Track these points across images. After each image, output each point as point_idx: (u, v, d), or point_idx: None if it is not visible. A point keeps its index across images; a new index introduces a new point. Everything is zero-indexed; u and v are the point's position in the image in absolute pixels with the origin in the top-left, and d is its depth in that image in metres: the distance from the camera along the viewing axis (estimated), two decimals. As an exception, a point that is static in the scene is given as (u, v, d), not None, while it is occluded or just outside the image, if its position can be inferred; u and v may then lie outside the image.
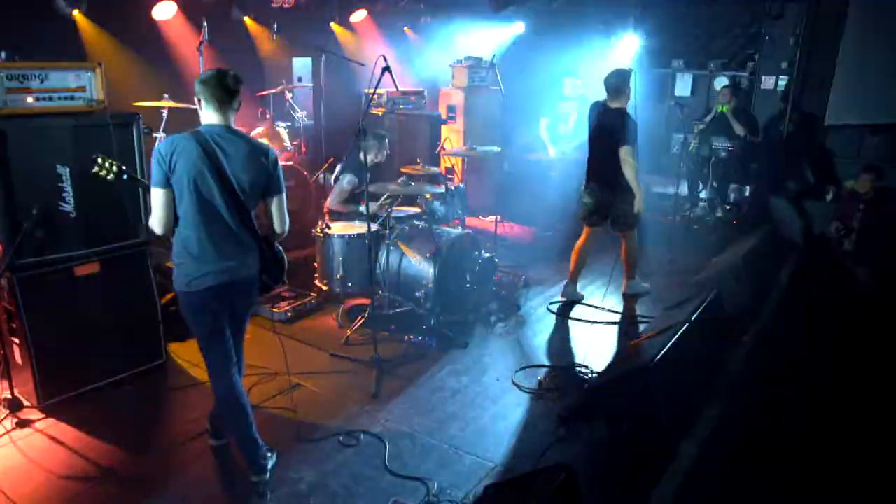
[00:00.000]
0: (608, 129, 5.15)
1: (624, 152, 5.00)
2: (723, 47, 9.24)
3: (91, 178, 3.72)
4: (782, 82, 8.64)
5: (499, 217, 6.42)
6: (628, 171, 5.04)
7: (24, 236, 3.55)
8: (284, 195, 3.13)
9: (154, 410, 3.91)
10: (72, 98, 3.72)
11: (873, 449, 3.52)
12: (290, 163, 6.57)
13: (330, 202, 5.50)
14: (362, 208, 5.33)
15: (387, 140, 5.54)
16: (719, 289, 4.56)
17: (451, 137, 8.05)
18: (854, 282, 5.75)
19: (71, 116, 3.71)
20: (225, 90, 2.90)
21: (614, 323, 5.23)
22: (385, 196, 5.22)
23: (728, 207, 8.31)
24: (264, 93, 6.82)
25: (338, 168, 5.59)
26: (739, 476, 3.30)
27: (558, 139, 7.86)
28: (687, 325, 3.88)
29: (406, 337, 4.80)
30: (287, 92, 6.95)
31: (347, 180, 5.34)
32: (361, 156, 4.84)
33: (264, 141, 6.64)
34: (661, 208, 8.06)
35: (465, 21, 8.95)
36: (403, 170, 5.60)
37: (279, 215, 3.13)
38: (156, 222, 2.92)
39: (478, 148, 6.49)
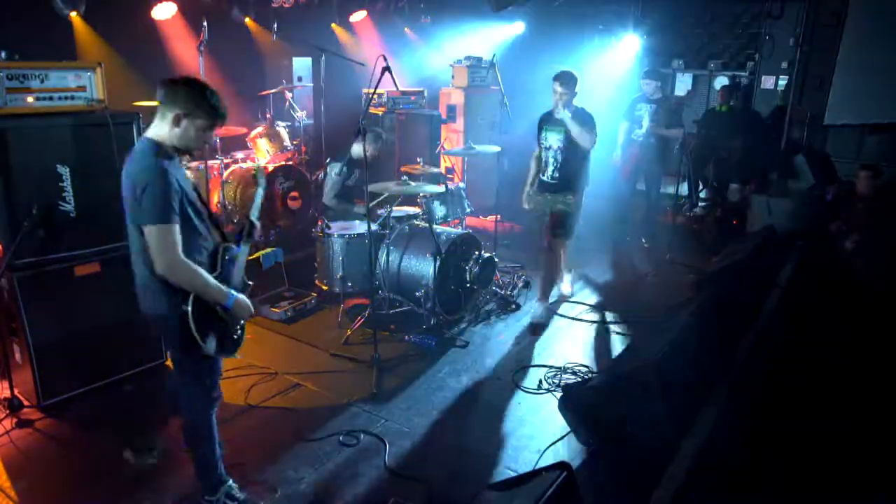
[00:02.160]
0: None
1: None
2: (723, 47, 9.24)
3: (91, 178, 3.77)
4: (782, 82, 8.64)
5: (499, 217, 6.42)
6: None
7: (24, 236, 3.55)
8: (156, 227, 2.47)
9: (154, 410, 3.91)
10: (72, 98, 3.71)
11: (874, 447, 3.52)
12: (290, 163, 6.57)
13: (325, 197, 5.54)
14: (359, 208, 5.39)
15: (380, 139, 5.59)
16: (719, 289, 4.56)
17: (451, 137, 8.06)
18: (855, 280, 5.74)
19: (71, 116, 3.71)
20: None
21: (614, 322, 5.23)
22: (382, 196, 5.27)
23: (728, 207, 8.29)
24: (264, 93, 6.82)
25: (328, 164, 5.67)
26: (739, 476, 3.30)
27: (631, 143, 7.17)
28: (688, 323, 3.88)
29: (406, 337, 4.80)
30: (287, 92, 6.95)
31: (337, 170, 5.48)
32: (353, 150, 5.43)
33: (263, 142, 6.73)
34: (661, 208, 8.05)
35: (464, 21, 8.95)
36: (403, 169, 5.61)
37: (152, 251, 2.51)
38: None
39: (478, 148, 6.49)
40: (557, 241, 5.26)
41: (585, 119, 4.92)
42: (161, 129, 2.60)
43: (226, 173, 6.32)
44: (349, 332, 4.83)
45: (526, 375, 4.32)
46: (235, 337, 2.87)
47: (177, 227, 2.51)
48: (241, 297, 2.76)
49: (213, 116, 2.61)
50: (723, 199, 8.42)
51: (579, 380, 4.25)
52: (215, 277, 2.69)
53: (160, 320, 2.70)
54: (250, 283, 2.98)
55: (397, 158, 7.48)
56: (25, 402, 3.79)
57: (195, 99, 2.56)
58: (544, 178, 5.17)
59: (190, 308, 2.58)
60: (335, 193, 5.52)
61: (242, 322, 2.89)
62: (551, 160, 5.09)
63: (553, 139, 5.05)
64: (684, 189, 8.54)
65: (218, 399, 2.93)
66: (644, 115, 6.80)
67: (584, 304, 5.59)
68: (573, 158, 5.03)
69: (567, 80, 4.88)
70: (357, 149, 5.48)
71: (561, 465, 2.53)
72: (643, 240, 7.17)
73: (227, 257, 2.82)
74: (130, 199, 2.52)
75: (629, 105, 7.02)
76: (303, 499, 3.13)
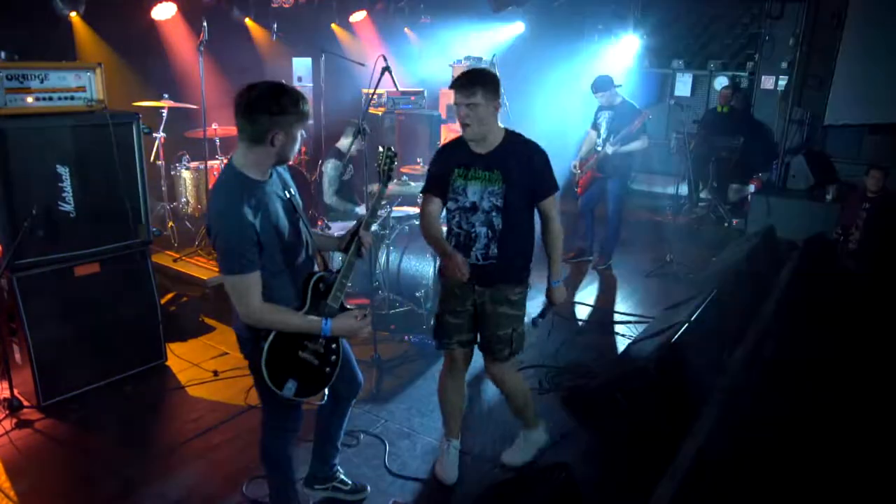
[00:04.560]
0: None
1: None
2: (723, 47, 9.25)
3: (91, 178, 3.77)
4: (782, 82, 8.65)
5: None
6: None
7: (24, 236, 3.55)
8: (224, 276, 2.30)
9: (154, 410, 3.91)
10: (72, 98, 3.71)
11: (873, 448, 3.52)
12: (290, 163, 6.57)
13: (325, 196, 5.56)
14: (359, 209, 5.40)
15: (363, 133, 5.21)
16: (719, 289, 4.55)
17: (451, 137, 8.05)
18: (856, 281, 5.74)
19: (71, 116, 3.70)
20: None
21: (614, 322, 5.23)
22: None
23: (728, 207, 8.31)
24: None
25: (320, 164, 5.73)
26: (739, 476, 3.30)
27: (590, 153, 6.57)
28: (687, 324, 3.88)
29: (406, 337, 4.80)
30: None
31: (331, 165, 5.50)
32: (342, 145, 5.44)
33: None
34: (661, 208, 8.07)
35: (464, 21, 8.96)
36: (403, 170, 5.61)
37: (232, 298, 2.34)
38: None
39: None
40: (502, 368, 3.18)
41: (535, 155, 2.99)
42: (241, 149, 2.35)
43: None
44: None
45: (526, 376, 4.32)
46: (322, 375, 2.55)
47: (249, 276, 2.25)
48: (340, 320, 2.46)
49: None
50: (723, 199, 8.43)
51: (580, 380, 4.25)
52: (304, 311, 2.46)
53: (242, 342, 2.52)
54: (349, 307, 2.59)
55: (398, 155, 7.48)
56: (25, 403, 3.79)
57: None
58: (468, 259, 3.00)
59: (266, 348, 2.37)
60: (334, 191, 5.56)
61: (334, 358, 2.56)
62: (481, 229, 3.00)
63: (480, 192, 2.98)
64: (684, 189, 8.57)
65: (294, 433, 2.71)
66: (602, 123, 6.16)
67: (583, 303, 5.59)
68: (520, 223, 3.03)
69: (475, 83, 2.88)
70: (345, 143, 5.57)
71: (561, 465, 2.54)
72: (608, 262, 6.48)
73: (320, 287, 2.53)
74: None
75: (594, 113, 6.36)
76: (303, 499, 3.13)
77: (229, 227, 2.23)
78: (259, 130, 2.26)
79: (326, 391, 2.62)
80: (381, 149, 2.76)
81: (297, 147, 2.40)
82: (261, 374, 2.39)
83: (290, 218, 2.45)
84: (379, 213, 5.09)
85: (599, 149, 6.16)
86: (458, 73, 7.99)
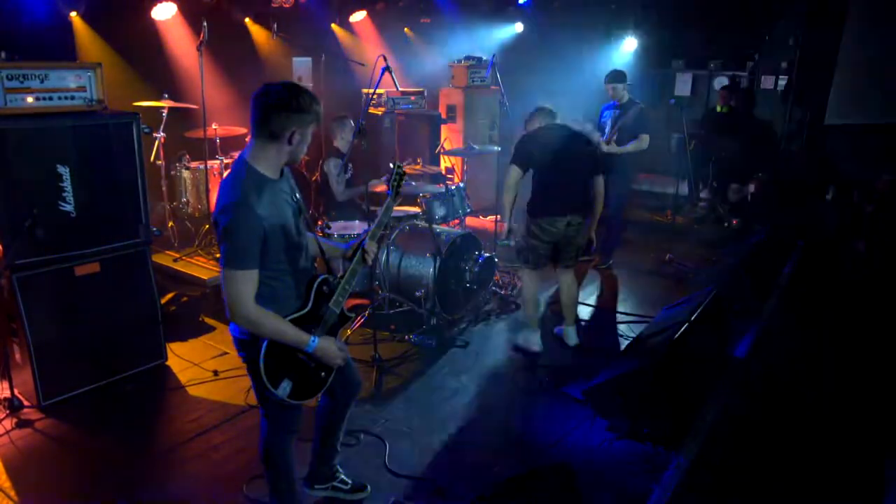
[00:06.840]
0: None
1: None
2: (723, 47, 9.25)
3: (91, 178, 3.77)
4: (782, 82, 8.65)
5: (499, 217, 6.41)
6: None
7: (24, 236, 3.55)
8: (223, 269, 2.27)
9: (154, 410, 3.91)
10: (72, 98, 3.71)
11: (873, 447, 3.52)
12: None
13: (338, 196, 5.54)
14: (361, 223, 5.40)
15: (360, 130, 4.97)
16: (719, 288, 4.56)
17: (451, 137, 8.06)
18: (858, 280, 5.74)
19: (71, 116, 3.70)
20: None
21: (614, 322, 5.23)
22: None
23: (728, 207, 8.31)
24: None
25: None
26: (740, 475, 3.30)
27: None
28: (687, 324, 3.88)
29: (406, 337, 4.80)
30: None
31: (333, 164, 5.49)
32: (341, 144, 5.46)
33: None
34: (661, 208, 8.05)
35: (464, 21, 8.96)
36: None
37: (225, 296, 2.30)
38: None
39: (477, 148, 6.49)
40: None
41: None
42: (253, 146, 2.38)
43: (225, 173, 6.31)
44: (349, 332, 4.83)
45: (526, 376, 4.32)
46: (318, 379, 2.57)
47: (250, 273, 2.25)
48: (326, 341, 2.47)
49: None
50: (723, 199, 8.44)
51: (580, 380, 4.25)
52: (307, 312, 2.47)
53: (239, 343, 2.47)
54: (352, 314, 2.68)
55: (397, 158, 7.48)
56: (25, 402, 3.79)
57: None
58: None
59: (265, 344, 2.36)
60: (344, 187, 5.59)
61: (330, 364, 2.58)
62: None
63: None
64: (684, 189, 8.57)
65: (293, 433, 2.69)
66: (608, 122, 6.15)
67: (584, 303, 5.58)
68: None
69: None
70: (342, 142, 5.60)
71: (561, 466, 2.54)
72: (608, 262, 6.46)
73: (324, 289, 2.56)
74: None
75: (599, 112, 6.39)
76: (303, 499, 3.13)
77: (239, 219, 2.21)
78: (279, 127, 2.29)
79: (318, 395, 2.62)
80: (392, 166, 2.86)
81: (306, 148, 2.42)
82: (258, 372, 2.39)
83: (296, 219, 2.47)
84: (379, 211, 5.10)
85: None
86: (457, 72, 8.15)
